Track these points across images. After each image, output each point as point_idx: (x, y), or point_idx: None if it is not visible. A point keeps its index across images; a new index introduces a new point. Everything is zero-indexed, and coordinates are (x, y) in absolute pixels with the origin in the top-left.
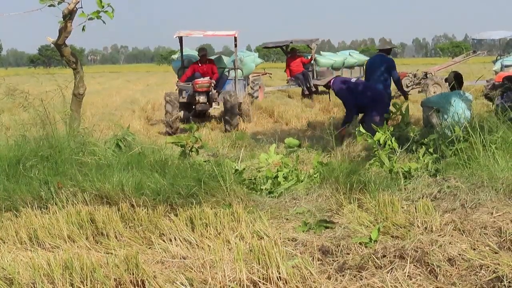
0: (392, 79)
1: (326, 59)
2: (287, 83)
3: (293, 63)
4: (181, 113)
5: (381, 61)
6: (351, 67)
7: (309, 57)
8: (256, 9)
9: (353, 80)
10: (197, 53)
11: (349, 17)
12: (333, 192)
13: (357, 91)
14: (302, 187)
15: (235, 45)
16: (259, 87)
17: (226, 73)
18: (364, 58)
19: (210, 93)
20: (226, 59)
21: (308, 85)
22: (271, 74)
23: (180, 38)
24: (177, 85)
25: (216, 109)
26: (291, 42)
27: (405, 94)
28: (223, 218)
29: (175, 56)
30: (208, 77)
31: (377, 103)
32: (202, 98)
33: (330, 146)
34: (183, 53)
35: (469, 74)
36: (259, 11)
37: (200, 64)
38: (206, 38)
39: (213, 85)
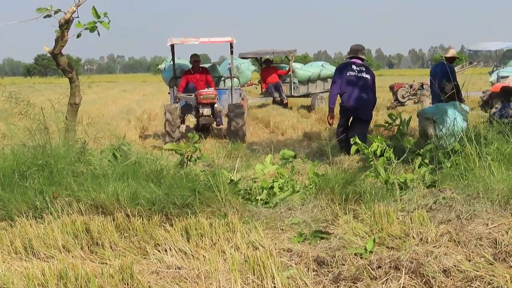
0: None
1: (304, 71)
2: (260, 94)
3: (268, 75)
4: (183, 127)
5: (441, 69)
6: (324, 79)
7: (287, 69)
8: (253, 18)
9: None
10: (189, 60)
11: (345, 28)
12: (329, 202)
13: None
14: (297, 198)
15: (231, 52)
16: (242, 99)
17: (222, 82)
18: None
19: (215, 105)
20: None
21: (280, 97)
22: (257, 84)
23: (172, 47)
24: (177, 97)
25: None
26: (273, 53)
27: (462, 101)
28: (219, 229)
29: (162, 66)
30: (213, 88)
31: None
32: (206, 111)
33: (326, 157)
34: (170, 64)
35: (465, 85)
36: (256, 21)
37: (192, 72)
38: (200, 46)
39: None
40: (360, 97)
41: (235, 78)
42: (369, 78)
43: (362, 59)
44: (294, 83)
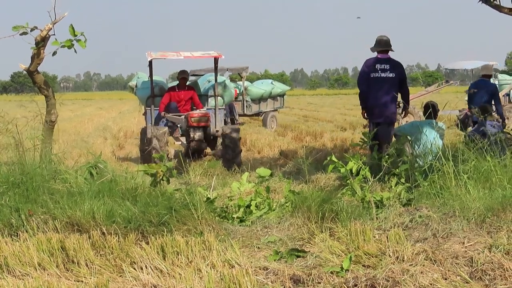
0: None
1: (256, 88)
2: None
3: None
4: (171, 152)
5: (485, 86)
6: (274, 97)
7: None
8: (232, 36)
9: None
10: (178, 75)
11: (322, 46)
12: (305, 221)
13: None
14: (274, 216)
15: (216, 68)
16: (233, 118)
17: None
18: (285, 88)
19: (208, 128)
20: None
21: (233, 117)
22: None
23: (150, 63)
24: (163, 117)
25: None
26: (227, 70)
27: (503, 119)
28: (195, 247)
29: (133, 83)
30: (205, 109)
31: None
32: (198, 135)
33: (302, 175)
34: (142, 80)
35: (442, 104)
36: (234, 39)
37: (177, 90)
38: (174, 62)
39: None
40: (381, 101)
41: (219, 97)
42: (393, 76)
43: (387, 51)
44: (246, 101)
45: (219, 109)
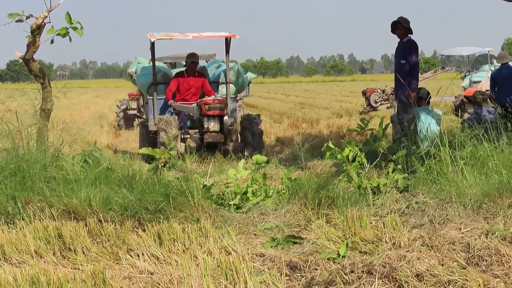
0: None
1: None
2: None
3: None
4: (182, 146)
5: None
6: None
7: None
8: (226, 22)
9: None
10: (186, 59)
11: (318, 33)
12: (302, 207)
13: None
14: (270, 203)
15: (227, 51)
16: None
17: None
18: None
19: (225, 117)
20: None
21: None
22: None
23: (153, 45)
24: (171, 106)
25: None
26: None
27: None
28: (191, 234)
29: (132, 70)
30: (220, 95)
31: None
32: (213, 125)
33: (299, 162)
34: (143, 66)
35: (438, 90)
36: (229, 25)
37: (186, 76)
38: (177, 45)
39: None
40: (397, 81)
41: (231, 85)
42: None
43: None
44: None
45: (231, 98)
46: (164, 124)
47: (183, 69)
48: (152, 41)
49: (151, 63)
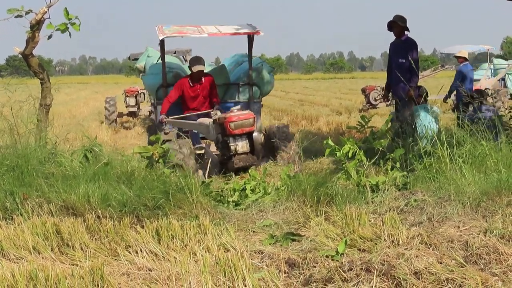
0: None
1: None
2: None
3: None
4: (200, 173)
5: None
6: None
7: None
8: (227, 18)
9: None
10: (189, 64)
11: (318, 31)
12: (300, 205)
13: None
14: (269, 200)
15: (250, 49)
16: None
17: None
18: None
19: (255, 134)
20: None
21: None
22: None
23: (162, 42)
24: (163, 123)
25: None
26: (175, 53)
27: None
28: (190, 230)
29: (141, 64)
30: (248, 111)
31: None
32: (242, 146)
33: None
34: (152, 63)
35: (438, 88)
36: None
37: (191, 84)
38: (183, 42)
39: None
40: (396, 79)
41: (254, 86)
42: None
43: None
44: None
45: (254, 102)
46: (182, 148)
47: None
48: (161, 38)
49: (152, 55)
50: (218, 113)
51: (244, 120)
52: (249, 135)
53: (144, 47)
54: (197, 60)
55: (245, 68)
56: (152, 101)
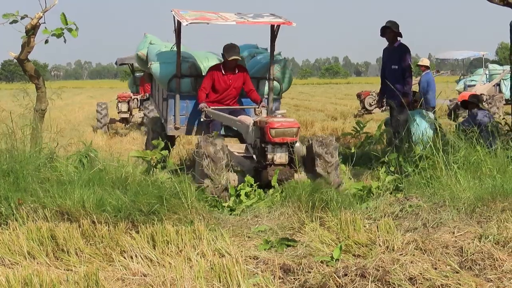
0: None
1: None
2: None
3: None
4: (232, 177)
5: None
6: None
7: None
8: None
9: None
10: (223, 52)
11: (313, 36)
12: (295, 210)
13: None
14: (264, 205)
15: (273, 40)
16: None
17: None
18: None
19: (297, 144)
20: None
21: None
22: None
23: (179, 28)
24: (202, 111)
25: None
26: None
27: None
28: (185, 236)
29: (143, 52)
30: (293, 118)
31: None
32: (280, 156)
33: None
34: (159, 50)
35: (439, 94)
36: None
37: (224, 72)
38: (193, 32)
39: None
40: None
41: (275, 82)
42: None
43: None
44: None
45: (275, 99)
46: (210, 148)
47: (216, 61)
48: (185, 24)
49: (175, 49)
50: (264, 112)
51: (287, 129)
52: (291, 146)
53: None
54: (232, 48)
55: (261, 61)
56: (156, 94)
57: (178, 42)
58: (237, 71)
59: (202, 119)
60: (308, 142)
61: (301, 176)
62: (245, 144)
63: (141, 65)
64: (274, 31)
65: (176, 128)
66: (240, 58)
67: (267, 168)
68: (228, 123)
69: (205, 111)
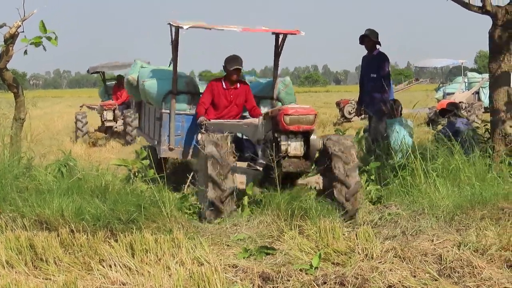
0: None
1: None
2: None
3: (122, 93)
4: (239, 178)
5: None
6: None
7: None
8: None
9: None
10: (226, 65)
11: (292, 44)
12: (274, 218)
13: None
14: (243, 214)
15: (277, 56)
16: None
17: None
18: None
19: (313, 136)
20: None
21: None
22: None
23: (177, 35)
24: (202, 125)
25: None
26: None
27: None
28: (164, 244)
29: (133, 76)
30: (309, 106)
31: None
32: (295, 146)
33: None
34: (152, 68)
35: (412, 102)
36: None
37: (225, 86)
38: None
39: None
40: (368, 94)
41: (278, 102)
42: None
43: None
44: None
45: None
46: (214, 140)
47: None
48: (186, 28)
49: (171, 65)
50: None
51: (302, 116)
52: (305, 136)
53: (115, 59)
54: (235, 59)
55: (263, 82)
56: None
57: (175, 55)
58: (238, 86)
59: (201, 134)
60: (322, 141)
61: (316, 178)
62: (247, 162)
63: (130, 90)
64: (278, 43)
65: (170, 149)
66: (242, 68)
67: (281, 162)
68: (232, 130)
69: (205, 124)
